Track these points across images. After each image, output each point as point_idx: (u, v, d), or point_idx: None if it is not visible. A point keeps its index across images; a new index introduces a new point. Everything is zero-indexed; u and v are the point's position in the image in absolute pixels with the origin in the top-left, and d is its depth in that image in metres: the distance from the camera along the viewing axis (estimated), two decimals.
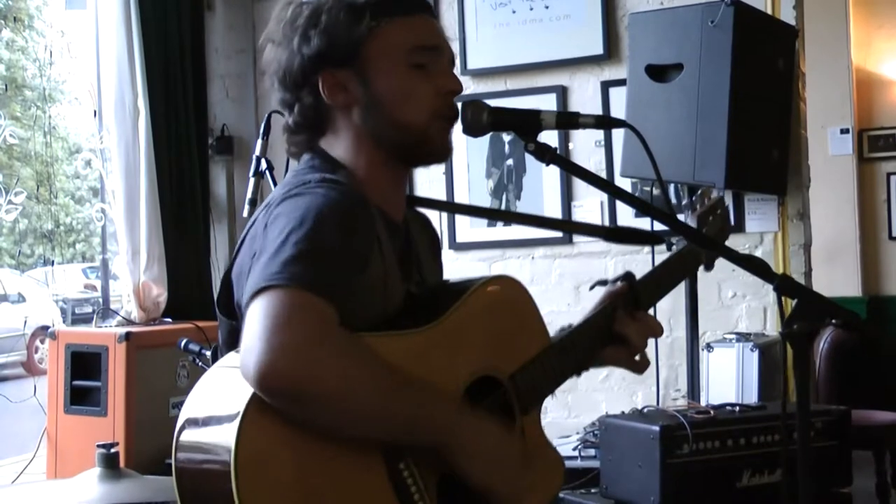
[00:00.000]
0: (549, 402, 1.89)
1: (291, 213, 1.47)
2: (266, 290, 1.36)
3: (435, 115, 1.68)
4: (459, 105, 1.73)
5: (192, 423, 1.44)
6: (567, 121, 1.77)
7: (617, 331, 1.88)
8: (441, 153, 1.73)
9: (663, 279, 2.08)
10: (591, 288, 1.98)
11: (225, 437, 1.33)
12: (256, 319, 1.34)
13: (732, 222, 4.24)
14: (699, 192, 2.16)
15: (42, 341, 9.60)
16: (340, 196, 1.52)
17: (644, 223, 3.85)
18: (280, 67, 1.68)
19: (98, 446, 2.70)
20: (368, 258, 1.54)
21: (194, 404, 1.45)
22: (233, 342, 1.53)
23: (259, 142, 3.42)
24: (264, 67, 1.74)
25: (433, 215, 1.99)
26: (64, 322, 9.99)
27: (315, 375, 1.33)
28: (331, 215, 1.47)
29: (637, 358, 1.92)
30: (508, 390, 1.69)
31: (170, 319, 4.49)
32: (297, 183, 1.56)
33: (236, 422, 1.33)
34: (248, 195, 3.37)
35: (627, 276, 1.96)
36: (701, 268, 2.18)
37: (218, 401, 1.43)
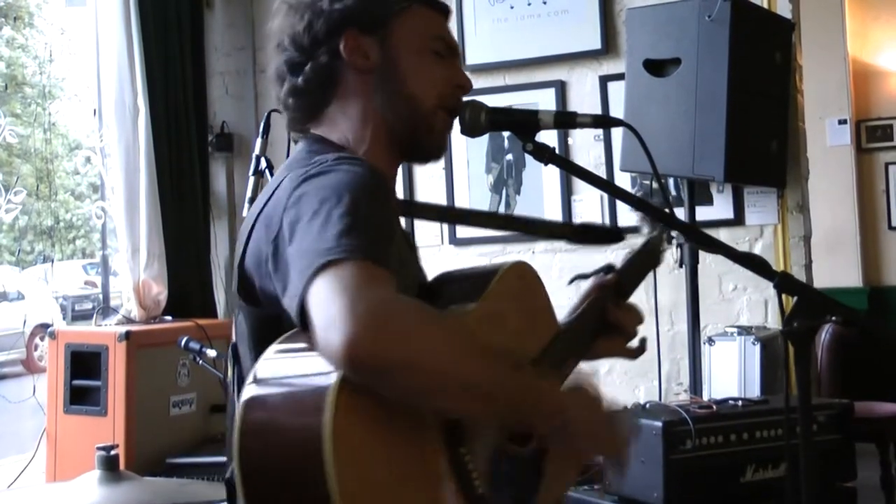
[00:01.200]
0: None
1: (321, 190, 1.42)
2: (329, 266, 1.29)
3: (442, 102, 1.68)
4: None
5: (263, 405, 1.32)
6: (565, 120, 1.77)
7: (612, 320, 1.88)
8: (438, 146, 1.72)
9: (638, 269, 2.07)
10: (570, 282, 1.97)
11: (313, 420, 1.23)
12: (329, 295, 1.27)
13: (733, 216, 4.27)
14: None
15: (42, 339, 9.59)
16: (365, 170, 1.48)
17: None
18: (296, 27, 1.66)
19: (98, 448, 2.71)
20: (395, 230, 1.52)
21: (264, 386, 1.34)
22: (266, 331, 1.45)
23: (259, 140, 3.41)
24: (272, 33, 1.72)
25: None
26: (64, 319, 9.99)
27: (405, 340, 1.26)
28: (363, 188, 1.43)
29: (634, 344, 1.93)
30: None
31: (170, 317, 4.48)
32: (311, 164, 1.51)
33: (328, 404, 1.23)
34: (248, 194, 3.37)
35: (610, 268, 1.96)
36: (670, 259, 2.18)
37: (296, 382, 1.34)
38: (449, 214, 2.20)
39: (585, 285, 1.94)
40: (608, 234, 2.08)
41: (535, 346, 1.70)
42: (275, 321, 1.43)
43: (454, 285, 1.70)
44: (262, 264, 1.49)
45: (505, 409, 1.41)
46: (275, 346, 1.38)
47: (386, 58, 1.65)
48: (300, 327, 1.33)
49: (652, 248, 2.13)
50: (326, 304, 1.27)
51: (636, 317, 1.93)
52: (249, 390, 1.32)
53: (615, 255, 4.34)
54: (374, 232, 1.37)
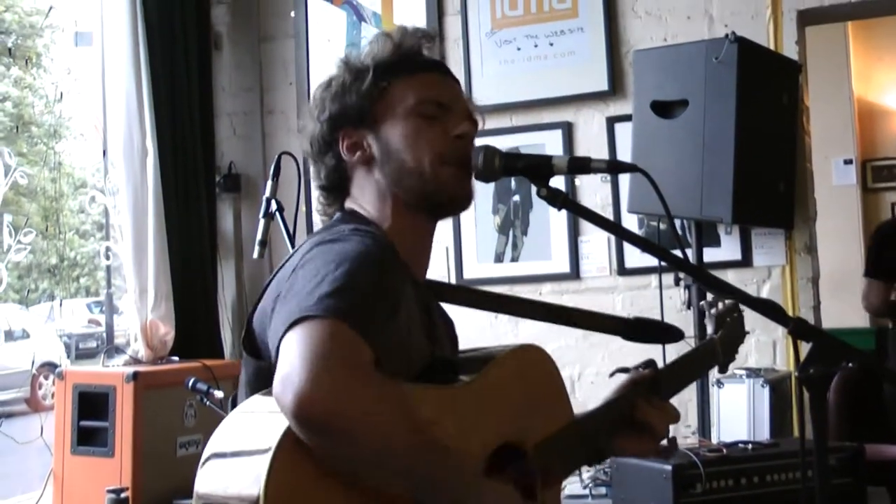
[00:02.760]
0: None
1: (325, 255, 1.50)
2: (303, 321, 1.35)
3: (442, 159, 1.70)
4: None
5: (219, 455, 1.42)
6: (579, 166, 1.77)
7: (639, 418, 1.87)
8: (460, 200, 1.76)
9: (683, 372, 2.08)
10: (612, 374, 1.97)
11: (255, 470, 1.31)
12: (294, 349, 1.33)
13: (740, 257, 4.27)
14: (711, 298, 2.17)
15: (46, 377, 9.58)
16: (374, 242, 1.55)
17: (653, 260, 3.86)
18: (311, 134, 1.80)
19: (108, 491, 2.70)
20: (400, 304, 1.55)
21: (221, 440, 1.43)
22: (259, 382, 1.52)
23: (269, 183, 3.42)
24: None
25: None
26: (68, 357, 9.98)
27: (352, 410, 1.30)
28: (366, 259, 1.49)
29: (663, 443, 1.92)
30: (532, 461, 1.68)
31: (177, 358, 4.48)
32: (330, 232, 1.60)
33: (268, 455, 1.30)
34: (259, 236, 3.37)
35: (649, 364, 1.95)
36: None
37: (247, 436, 1.41)
38: (497, 302, 2.19)
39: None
40: (667, 333, 2.08)
41: (536, 430, 1.70)
42: (268, 371, 1.45)
43: (458, 362, 1.72)
44: (265, 318, 1.56)
45: (427, 493, 1.42)
46: (244, 406, 1.48)
47: (381, 143, 1.73)
48: None
49: (704, 355, 2.12)
50: (288, 356, 1.33)
51: (668, 416, 1.91)
52: (209, 446, 1.44)
53: (622, 300, 4.37)
54: (359, 298, 1.41)
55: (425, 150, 1.70)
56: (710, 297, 2.20)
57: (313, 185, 1.84)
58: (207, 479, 1.41)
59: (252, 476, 1.31)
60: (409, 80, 1.74)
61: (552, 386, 1.78)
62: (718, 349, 2.17)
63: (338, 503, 1.36)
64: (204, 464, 1.42)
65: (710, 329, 2.16)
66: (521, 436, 1.66)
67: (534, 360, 1.76)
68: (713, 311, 2.17)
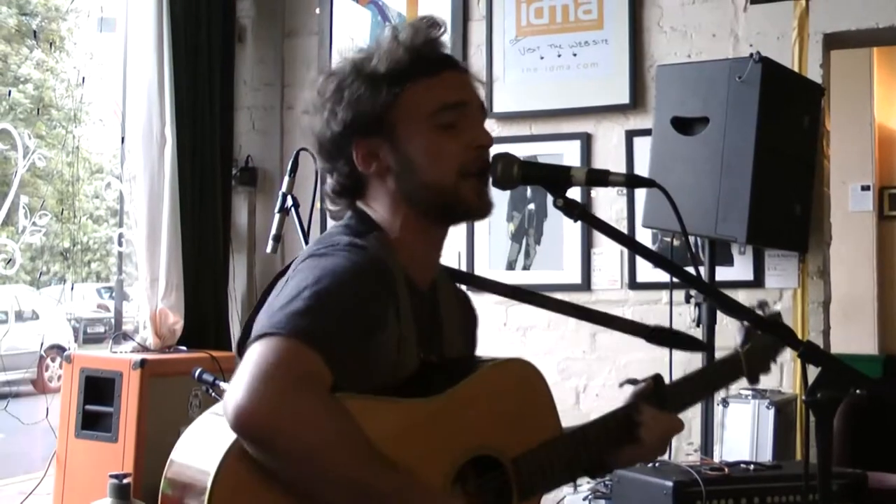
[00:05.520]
0: None
1: (311, 270, 1.52)
2: (265, 337, 1.40)
3: (463, 173, 1.68)
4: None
5: (178, 464, 1.51)
6: (597, 178, 1.76)
7: (637, 421, 1.88)
8: (479, 210, 1.72)
9: (697, 384, 2.08)
10: (621, 385, 1.97)
11: (203, 476, 1.38)
12: (247, 363, 1.37)
13: (752, 278, 4.26)
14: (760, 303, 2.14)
15: (53, 360, 9.59)
16: (361, 259, 1.56)
17: (664, 275, 3.84)
18: (316, 137, 1.75)
19: (111, 476, 2.70)
20: (384, 320, 1.56)
21: (183, 445, 1.52)
22: None
23: (286, 178, 3.42)
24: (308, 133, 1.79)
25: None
26: (76, 341, 9.99)
27: (288, 429, 1.34)
28: (348, 277, 1.51)
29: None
30: (509, 472, 1.68)
31: (184, 348, 4.49)
32: (326, 244, 1.60)
33: (216, 461, 1.37)
34: (273, 231, 3.38)
35: (655, 378, 1.96)
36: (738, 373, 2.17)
37: (205, 443, 1.47)
38: (519, 293, 2.18)
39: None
40: (690, 343, 2.06)
41: (517, 444, 1.70)
42: None
43: (445, 371, 1.71)
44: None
45: None
46: (213, 408, 1.55)
47: (397, 154, 1.68)
48: None
49: (726, 368, 2.11)
50: (241, 368, 1.37)
51: (666, 425, 1.91)
52: (174, 451, 1.55)
53: (631, 313, 4.36)
54: (328, 320, 1.44)
55: (447, 165, 1.67)
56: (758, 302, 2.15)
57: (323, 186, 1.82)
58: (168, 485, 1.52)
59: (201, 484, 1.38)
60: (423, 82, 1.69)
61: (538, 400, 1.78)
62: (742, 362, 2.13)
63: None
64: (166, 471, 1.52)
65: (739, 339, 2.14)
66: (499, 448, 1.66)
67: (519, 374, 1.76)
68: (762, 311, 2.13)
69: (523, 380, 1.76)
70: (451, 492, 1.57)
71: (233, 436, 1.36)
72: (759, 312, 1.99)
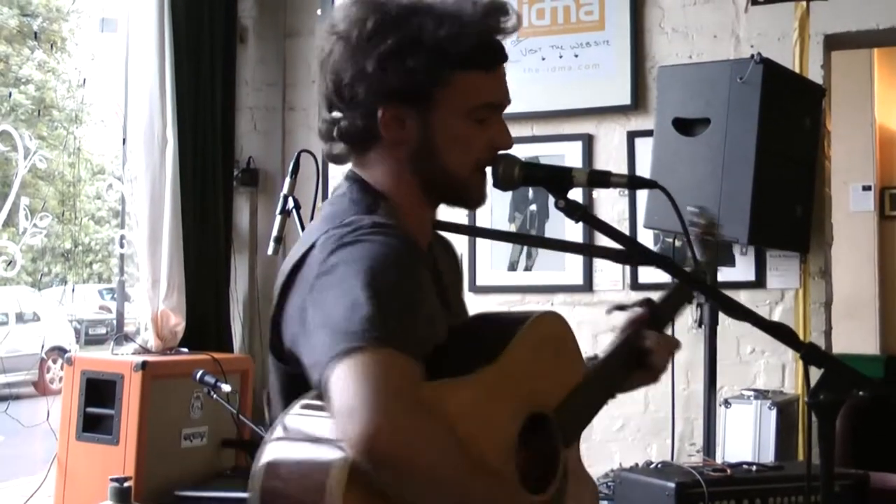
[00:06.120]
0: None
1: (353, 263, 1.44)
2: (353, 353, 1.32)
3: (478, 166, 1.68)
4: None
5: (277, 473, 1.38)
6: (599, 179, 1.76)
7: (645, 346, 1.90)
8: (477, 201, 1.72)
9: (674, 304, 2.10)
10: (609, 311, 1.97)
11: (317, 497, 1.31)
12: (350, 384, 1.31)
13: (754, 278, 4.26)
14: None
15: (54, 362, 9.59)
16: (399, 243, 1.49)
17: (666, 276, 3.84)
18: (340, 75, 1.62)
19: (111, 479, 2.70)
20: (426, 301, 1.55)
21: (282, 450, 1.41)
22: (292, 389, 1.50)
23: (288, 180, 3.42)
24: (317, 51, 1.67)
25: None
26: (77, 342, 9.99)
27: (416, 445, 1.30)
28: (396, 266, 1.45)
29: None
30: (554, 427, 1.68)
31: (186, 349, 4.48)
32: (349, 227, 1.52)
33: (333, 485, 1.30)
34: (274, 233, 3.38)
35: (647, 302, 1.97)
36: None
37: (308, 455, 1.39)
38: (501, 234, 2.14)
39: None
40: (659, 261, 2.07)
41: (555, 394, 1.71)
42: (301, 380, 1.46)
43: (477, 336, 1.70)
44: (292, 325, 1.53)
45: None
46: (298, 409, 1.42)
47: (423, 131, 1.63)
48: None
49: (683, 290, 2.13)
50: (347, 391, 1.30)
51: (670, 345, 1.94)
52: (270, 452, 1.38)
53: None
54: (399, 316, 1.39)
55: (469, 158, 1.66)
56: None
57: (323, 118, 1.70)
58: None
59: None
60: (478, 74, 1.64)
61: (569, 348, 1.78)
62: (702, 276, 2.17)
63: None
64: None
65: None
66: (543, 403, 1.66)
67: (552, 328, 1.75)
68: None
69: (558, 332, 1.76)
70: (515, 458, 1.56)
71: (336, 454, 1.31)
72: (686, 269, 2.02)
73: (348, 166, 1.74)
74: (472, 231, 2.78)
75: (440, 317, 1.65)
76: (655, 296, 2.02)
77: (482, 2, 1.65)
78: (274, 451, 1.38)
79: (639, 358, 1.90)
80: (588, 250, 2.78)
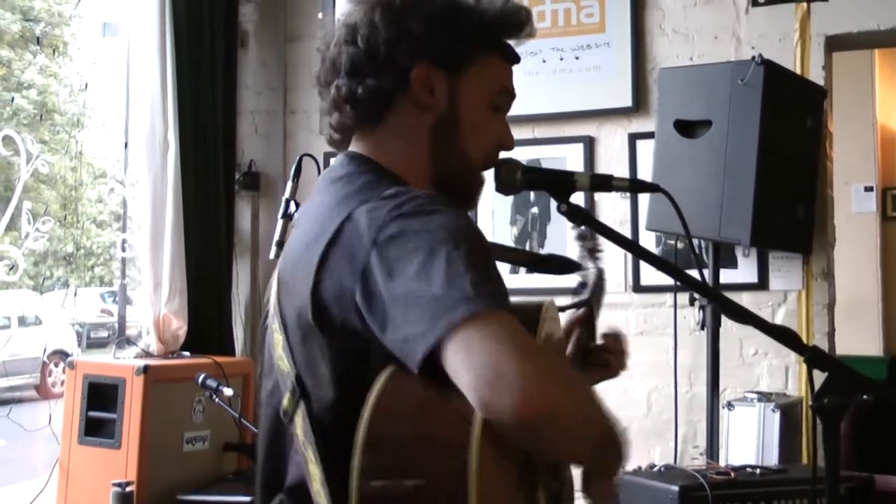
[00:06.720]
0: None
1: (429, 233, 1.37)
2: (476, 318, 1.27)
3: (487, 160, 1.67)
4: None
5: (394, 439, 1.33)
6: (601, 183, 1.77)
7: (602, 354, 1.90)
8: (474, 201, 1.70)
9: (598, 299, 2.09)
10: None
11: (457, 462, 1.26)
12: (487, 348, 1.26)
13: (757, 280, 4.25)
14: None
15: (56, 365, 9.60)
16: (463, 215, 1.46)
17: (668, 278, 3.83)
18: (377, 32, 1.59)
19: (113, 484, 2.70)
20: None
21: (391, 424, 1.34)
22: (347, 364, 1.44)
23: (289, 184, 3.41)
24: (344, 11, 1.65)
25: None
26: (79, 346, 9.99)
27: (567, 403, 1.28)
28: (473, 234, 1.42)
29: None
30: None
31: (188, 353, 4.48)
32: (395, 196, 1.45)
33: (474, 449, 1.26)
34: (276, 237, 3.36)
35: (585, 303, 1.98)
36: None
37: (432, 426, 1.34)
38: None
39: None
40: (567, 265, 2.07)
41: None
42: (361, 355, 1.41)
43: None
44: (346, 297, 1.42)
45: (608, 457, 1.45)
46: (386, 386, 1.36)
47: (451, 100, 1.61)
48: (415, 371, 1.31)
49: (600, 281, 2.13)
50: (485, 356, 1.25)
51: (621, 342, 1.93)
52: (375, 425, 1.32)
53: (636, 316, 4.35)
54: (498, 281, 1.37)
55: (484, 144, 1.65)
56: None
57: (338, 84, 1.62)
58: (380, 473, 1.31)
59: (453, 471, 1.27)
60: (502, 62, 1.68)
61: (559, 337, 1.80)
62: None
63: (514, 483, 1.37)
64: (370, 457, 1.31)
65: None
66: None
67: (554, 315, 1.73)
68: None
69: (554, 317, 1.74)
70: None
71: (468, 422, 1.27)
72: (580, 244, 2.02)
73: None
74: None
75: None
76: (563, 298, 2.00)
77: (516, 5, 1.71)
78: (378, 426, 1.32)
79: (591, 354, 1.90)
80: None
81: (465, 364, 1.26)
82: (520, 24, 1.70)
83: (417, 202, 1.42)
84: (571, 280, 2.09)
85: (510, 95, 1.70)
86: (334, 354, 1.47)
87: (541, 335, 1.56)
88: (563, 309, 1.94)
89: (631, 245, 1.88)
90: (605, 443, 1.40)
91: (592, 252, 2.10)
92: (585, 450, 1.37)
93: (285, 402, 1.52)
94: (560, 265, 2.06)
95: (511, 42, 1.71)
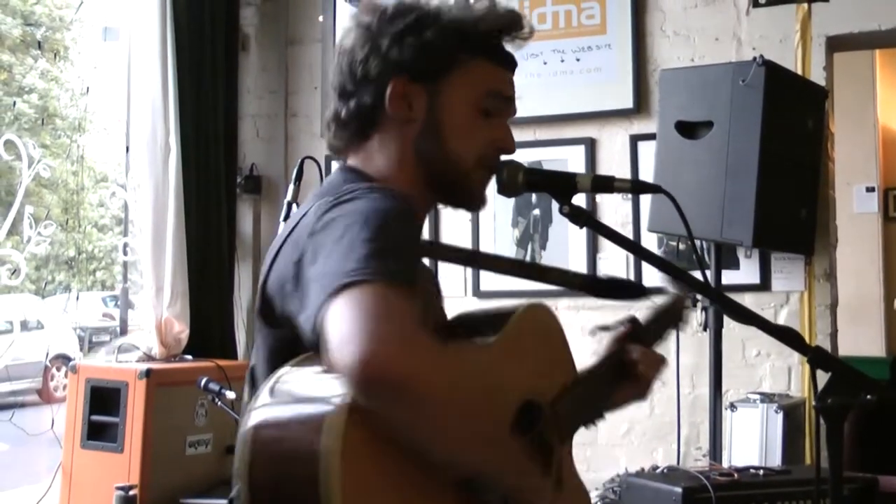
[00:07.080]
0: None
1: (350, 215, 1.39)
2: (350, 287, 1.24)
3: (481, 162, 1.67)
4: None
5: (271, 425, 1.28)
6: (602, 184, 1.76)
7: (628, 360, 1.88)
8: (477, 201, 1.71)
9: (659, 326, 2.09)
10: (593, 333, 1.96)
11: (314, 441, 1.20)
12: (348, 314, 1.22)
13: (759, 281, 4.25)
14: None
15: (58, 369, 9.61)
16: (395, 199, 1.46)
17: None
18: (356, 55, 1.64)
19: (116, 488, 2.70)
20: (421, 262, 1.54)
21: (274, 406, 1.30)
22: (282, 352, 1.43)
23: (291, 187, 3.41)
24: (340, 42, 1.68)
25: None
26: (81, 350, 10.01)
27: (423, 371, 1.21)
28: (392, 214, 1.41)
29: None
30: (549, 418, 1.66)
31: (190, 357, 4.48)
32: (343, 191, 1.48)
33: (332, 426, 1.20)
34: None
35: (632, 320, 1.96)
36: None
37: (303, 404, 1.29)
38: (471, 258, 2.13)
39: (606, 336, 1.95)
40: (632, 290, 2.06)
41: (550, 387, 1.69)
42: (292, 342, 1.40)
43: (474, 323, 1.66)
44: (285, 285, 1.46)
45: (490, 469, 1.37)
46: (287, 367, 1.35)
47: (431, 111, 1.63)
48: (313, 347, 1.29)
49: (675, 308, 2.12)
50: (344, 321, 1.22)
51: (657, 360, 1.91)
52: (260, 411, 1.28)
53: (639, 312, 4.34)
54: (400, 256, 1.34)
55: (471, 146, 1.65)
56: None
57: (331, 109, 1.68)
58: (262, 451, 1.26)
59: (315, 449, 1.20)
60: (490, 66, 1.67)
61: (559, 342, 1.76)
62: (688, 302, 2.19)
63: (408, 475, 1.29)
64: (254, 437, 1.27)
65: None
66: (539, 393, 1.64)
67: (544, 318, 1.73)
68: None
69: (548, 322, 1.74)
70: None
71: (334, 398, 1.21)
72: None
73: None
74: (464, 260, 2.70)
75: (431, 292, 1.63)
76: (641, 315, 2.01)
77: (503, 13, 1.69)
78: (263, 413, 1.28)
79: (624, 370, 1.88)
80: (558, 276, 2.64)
81: (330, 327, 1.23)
82: (506, 26, 1.69)
83: (357, 192, 1.45)
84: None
85: (503, 98, 1.69)
86: (273, 344, 1.51)
87: (506, 333, 1.56)
88: (607, 328, 1.96)
89: (633, 246, 1.88)
90: (488, 452, 1.34)
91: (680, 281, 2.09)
92: (452, 441, 1.29)
93: (245, 396, 1.57)
94: (624, 291, 2.05)
95: (507, 45, 1.70)
